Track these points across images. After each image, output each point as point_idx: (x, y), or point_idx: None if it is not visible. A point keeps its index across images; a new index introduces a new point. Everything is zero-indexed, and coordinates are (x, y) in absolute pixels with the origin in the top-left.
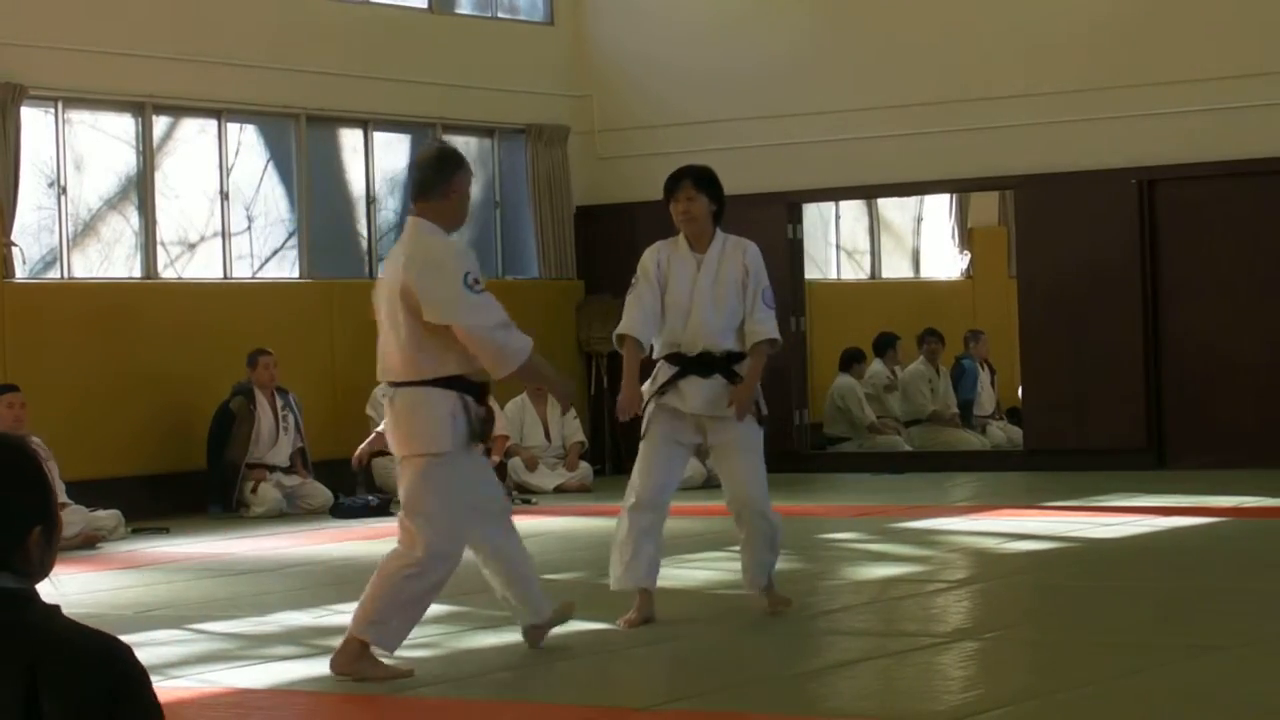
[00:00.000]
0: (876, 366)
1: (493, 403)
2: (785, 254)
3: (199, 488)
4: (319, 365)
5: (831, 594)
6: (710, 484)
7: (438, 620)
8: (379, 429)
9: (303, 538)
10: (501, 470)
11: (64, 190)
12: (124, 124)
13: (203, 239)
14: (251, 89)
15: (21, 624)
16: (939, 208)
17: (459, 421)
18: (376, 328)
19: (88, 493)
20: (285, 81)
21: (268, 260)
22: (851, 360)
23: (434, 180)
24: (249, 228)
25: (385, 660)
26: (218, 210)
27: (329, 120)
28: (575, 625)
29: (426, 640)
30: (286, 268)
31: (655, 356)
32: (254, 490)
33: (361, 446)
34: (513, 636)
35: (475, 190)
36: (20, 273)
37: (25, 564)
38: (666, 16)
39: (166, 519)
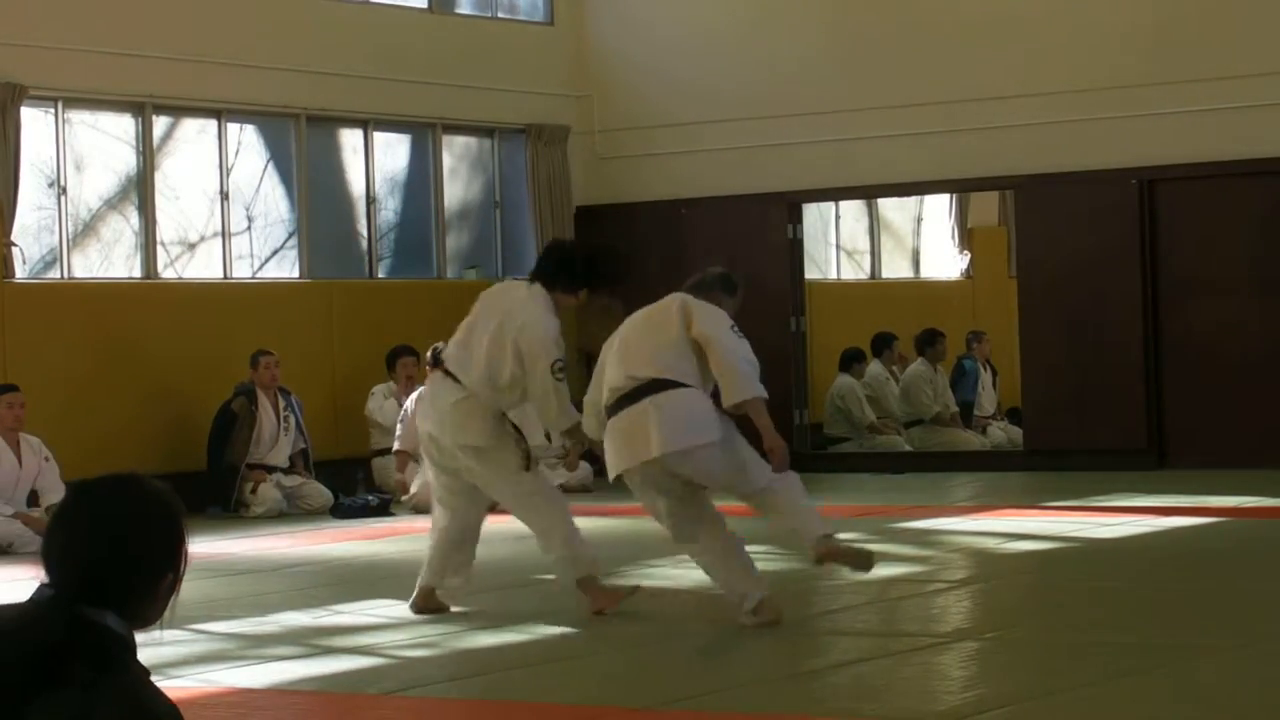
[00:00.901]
0: (874, 367)
1: None
2: (785, 254)
3: (199, 488)
4: (318, 365)
5: (832, 594)
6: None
7: (438, 620)
8: (395, 447)
9: (303, 538)
10: None
11: (64, 190)
12: (124, 124)
13: (203, 239)
14: (251, 89)
15: (109, 670)
16: (939, 208)
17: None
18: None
19: None
20: (285, 81)
21: (268, 260)
22: (851, 360)
23: (716, 285)
24: (249, 228)
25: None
26: (218, 210)
27: (329, 120)
28: (576, 625)
29: (426, 640)
30: (286, 268)
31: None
32: (254, 491)
33: (405, 480)
34: (513, 636)
35: (476, 190)
36: (20, 273)
37: (148, 609)
38: (667, 17)
39: None
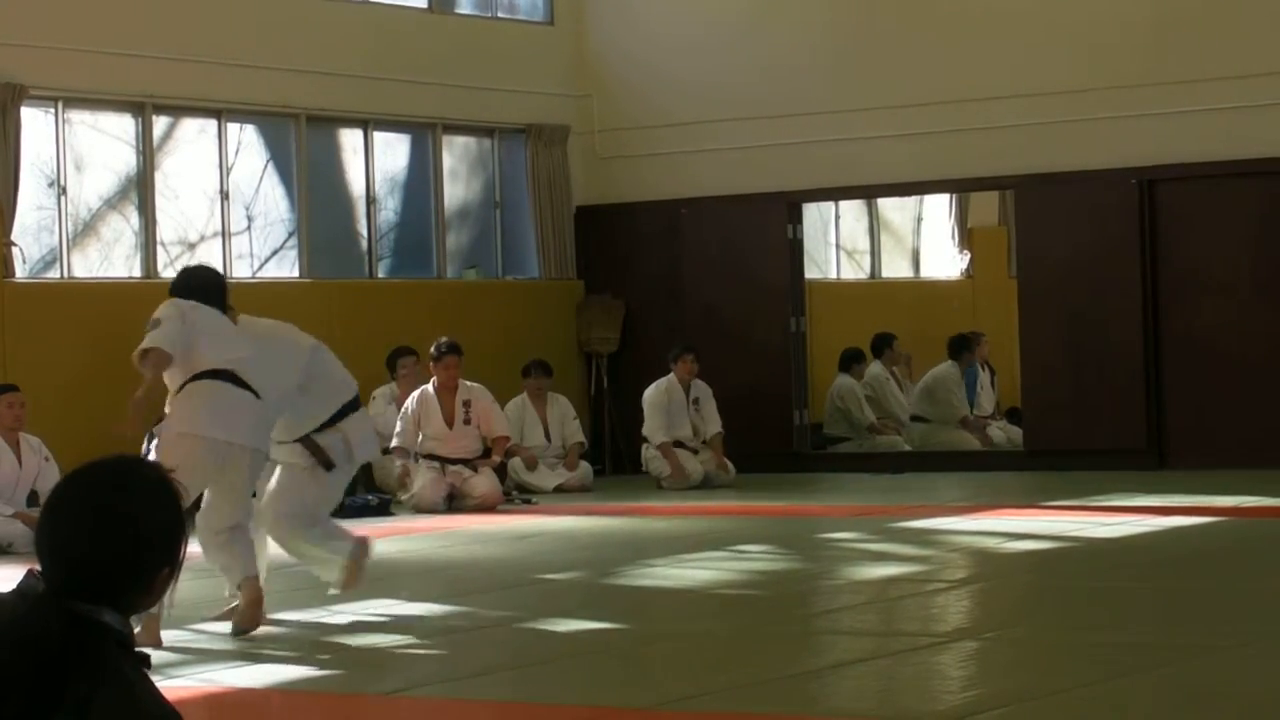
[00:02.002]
0: (875, 367)
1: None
2: (785, 254)
3: None
4: None
5: (831, 594)
6: (708, 484)
7: (436, 621)
8: (394, 444)
9: None
10: (502, 470)
11: (64, 190)
12: (124, 124)
13: (202, 239)
14: (251, 89)
15: (109, 676)
16: (939, 208)
17: None
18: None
19: None
20: (285, 81)
21: (267, 260)
22: (851, 361)
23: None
24: (249, 228)
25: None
26: (217, 210)
27: (329, 120)
28: (576, 625)
29: (425, 641)
30: (286, 268)
31: None
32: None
33: (408, 466)
34: (511, 637)
35: (476, 190)
36: (20, 273)
37: (143, 601)
38: (667, 17)
39: None
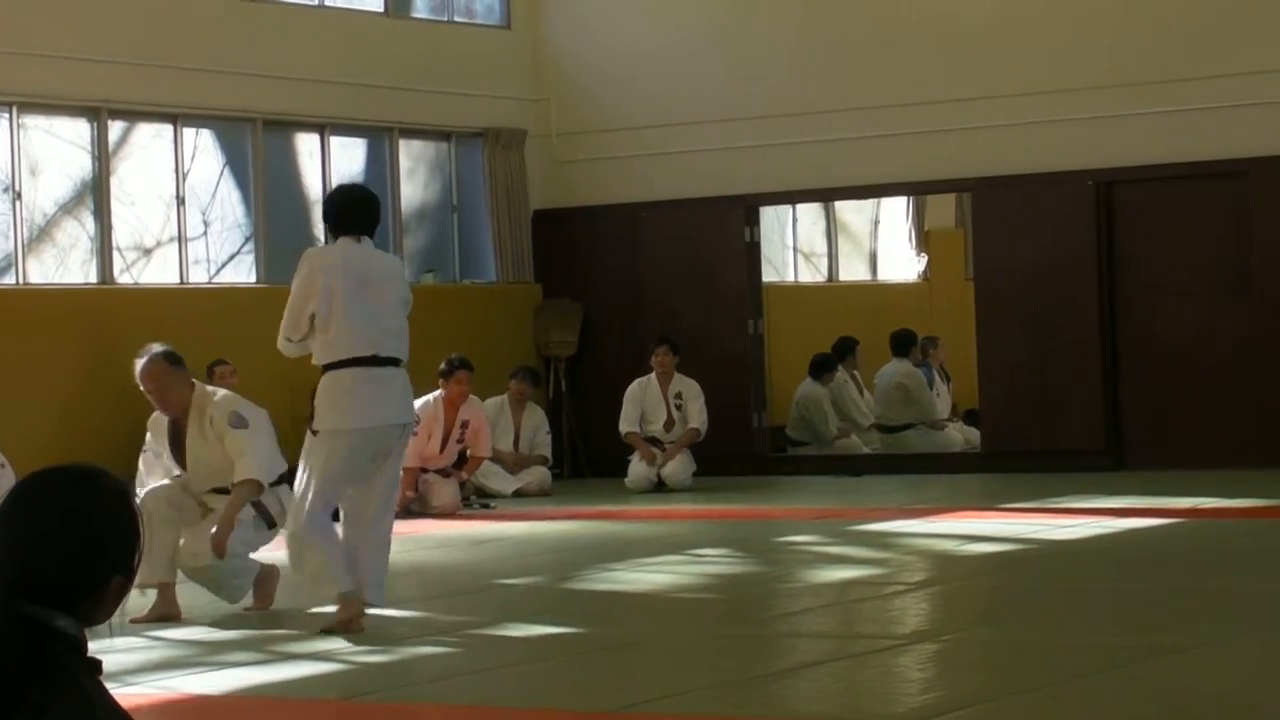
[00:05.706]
0: (838, 372)
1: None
2: (742, 257)
3: None
4: (276, 370)
5: (791, 597)
6: (662, 488)
7: (395, 626)
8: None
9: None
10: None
11: (19, 195)
12: (79, 129)
13: (159, 244)
14: (207, 93)
15: (62, 675)
16: (896, 210)
17: None
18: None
19: None
20: (241, 86)
21: (224, 265)
22: (822, 368)
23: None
24: (205, 232)
25: None
26: (174, 215)
27: (285, 124)
28: (534, 630)
29: (385, 646)
30: (244, 272)
31: None
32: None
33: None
34: (471, 642)
35: (433, 194)
36: None
37: (95, 610)
38: (624, 22)
39: None
